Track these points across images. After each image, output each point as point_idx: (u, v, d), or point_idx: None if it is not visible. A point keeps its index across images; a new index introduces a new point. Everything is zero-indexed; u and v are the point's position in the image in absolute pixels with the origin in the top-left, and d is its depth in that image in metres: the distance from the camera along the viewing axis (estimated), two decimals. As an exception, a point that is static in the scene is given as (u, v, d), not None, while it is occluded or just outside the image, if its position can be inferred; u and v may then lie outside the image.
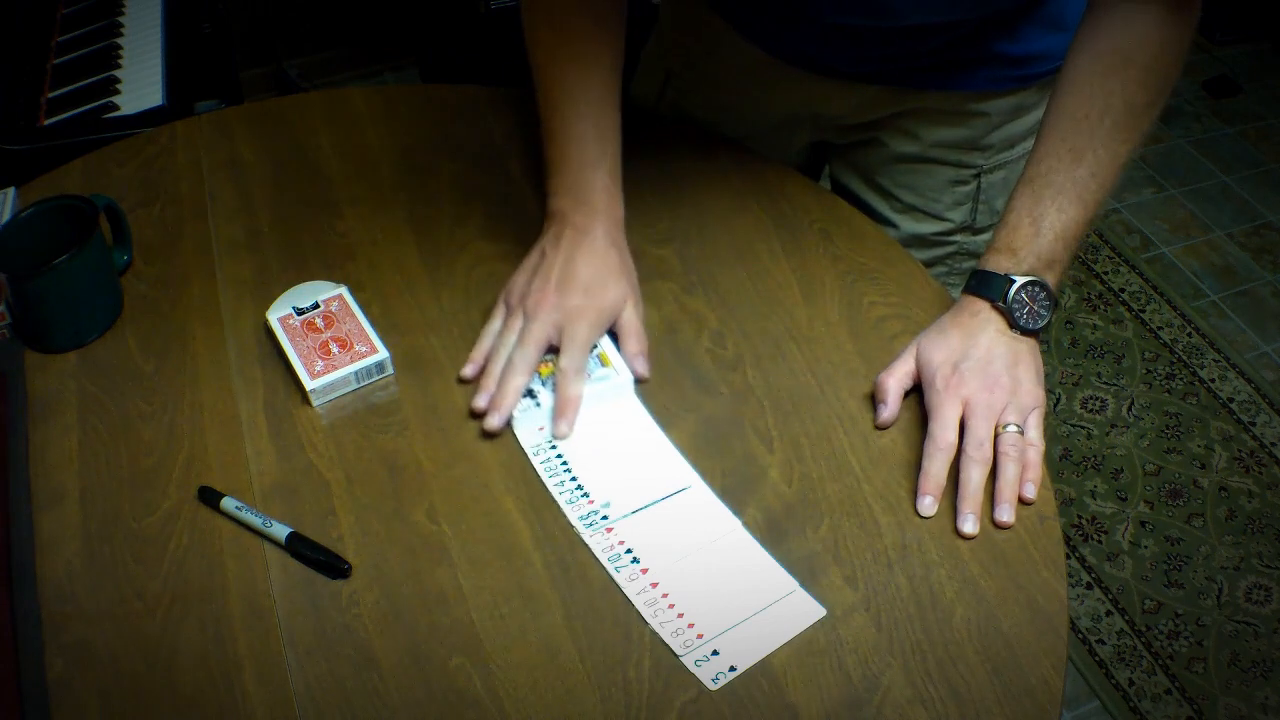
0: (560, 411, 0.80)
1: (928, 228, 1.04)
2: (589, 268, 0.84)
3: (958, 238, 1.05)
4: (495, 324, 0.85)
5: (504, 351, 0.82)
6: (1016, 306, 0.79)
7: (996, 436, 0.76)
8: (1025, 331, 0.80)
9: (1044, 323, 0.80)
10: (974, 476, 0.75)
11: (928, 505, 0.75)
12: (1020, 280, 0.79)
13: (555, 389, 0.81)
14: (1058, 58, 0.88)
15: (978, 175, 1.01)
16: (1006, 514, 0.74)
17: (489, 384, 0.81)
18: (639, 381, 0.83)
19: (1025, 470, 0.76)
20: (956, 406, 0.77)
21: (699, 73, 1.06)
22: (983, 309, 0.80)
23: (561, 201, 0.87)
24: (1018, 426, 0.76)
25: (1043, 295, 0.80)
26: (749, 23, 0.98)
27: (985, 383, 0.77)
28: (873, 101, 0.99)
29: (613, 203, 0.87)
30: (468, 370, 0.84)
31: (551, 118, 0.88)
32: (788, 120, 1.05)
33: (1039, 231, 0.80)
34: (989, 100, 0.97)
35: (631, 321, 0.85)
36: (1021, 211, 0.81)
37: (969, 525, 0.73)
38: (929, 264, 1.04)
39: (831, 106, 1.01)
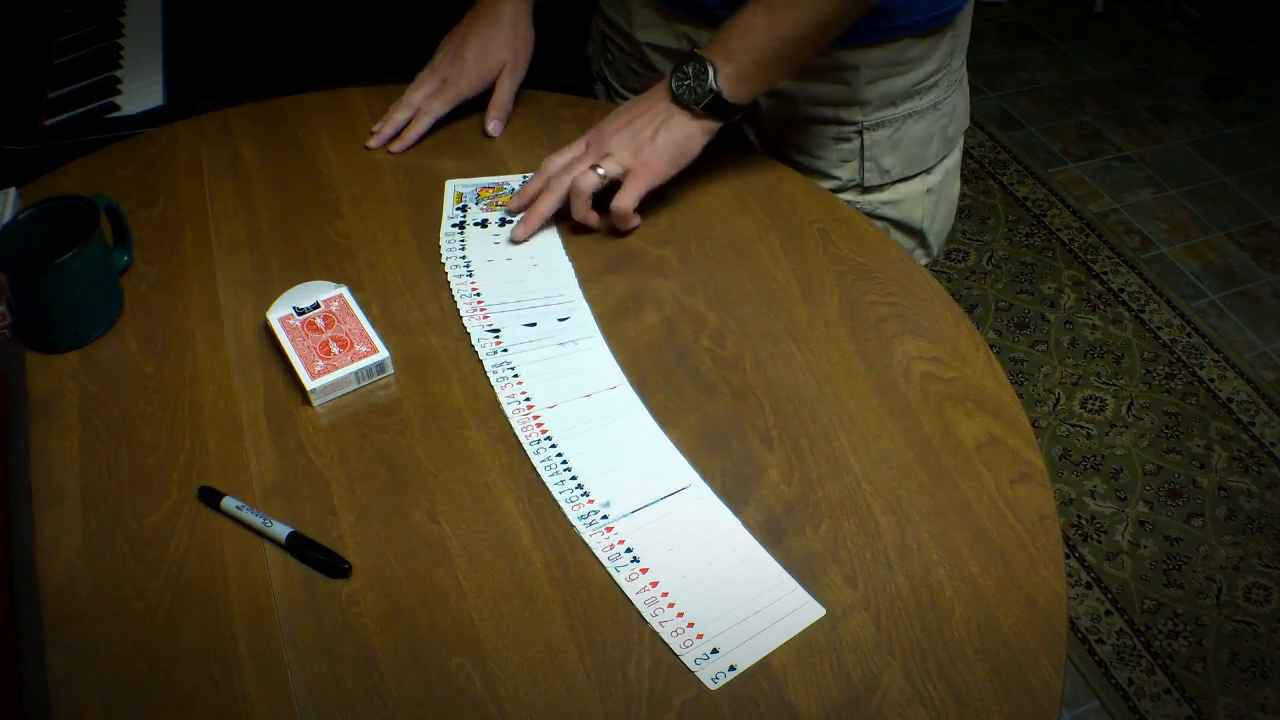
0: (403, 137, 1.03)
1: (819, 185, 1.06)
2: (479, 39, 1.04)
3: (848, 196, 1.07)
4: (420, 93, 1.05)
5: (413, 101, 1.04)
6: (679, 77, 0.90)
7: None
8: (681, 104, 0.90)
9: (696, 99, 0.90)
10: (542, 203, 0.92)
11: (518, 231, 0.93)
12: (689, 59, 0.90)
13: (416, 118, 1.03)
14: (923, 10, 0.95)
15: (860, 132, 1.03)
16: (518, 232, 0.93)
17: (387, 129, 1.04)
18: (488, 137, 1.05)
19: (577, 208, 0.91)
20: (580, 144, 0.93)
21: (618, 31, 1.13)
22: (660, 84, 0.92)
23: None
24: (602, 172, 0.90)
25: (704, 73, 0.89)
26: None
27: (616, 125, 0.92)
28: None
29: None
30: (374, 142, 1.04)
31: None
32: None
33: (729, 27, 0.90)
34: (857, 53, 0.99)
35: (500, 87, 1.05)
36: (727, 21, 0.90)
37: (516, 231, 0.93)
38: None
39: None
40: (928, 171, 1.08)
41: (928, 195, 1.09)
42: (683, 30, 1.05)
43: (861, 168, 1.05)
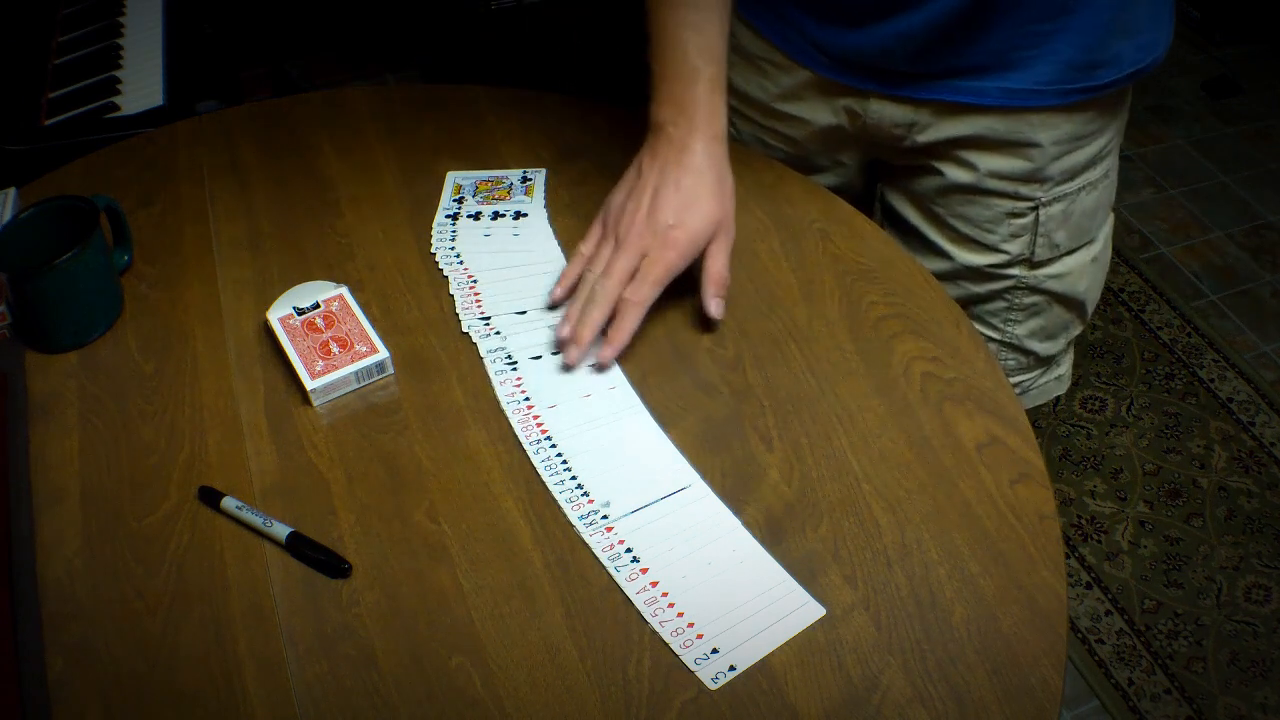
0: (608, 339, 0.82)
1: (983, 259, 1.00)
2: (680, 192, 0.83)
3: (1015, 271, 1.00)
4: (588, 246, 0.87)
5: (590, 279, 0.84)
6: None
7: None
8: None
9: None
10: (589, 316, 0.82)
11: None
12: None
13: (614, 317, 0.83)
14: (1125, 65, 0.87)
15: (1036, 208, 0.97)
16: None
17: (574, 313, 0.83)
18: (711, 322, 0.86)
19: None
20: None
21: (749, 101, 1.04)
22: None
23: (661, 111, 0.85)
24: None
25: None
26: (777, 24, 0.97)
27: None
28: (921, 119, 0.95)
29: (713, 116, 0.85)
30: (558, 293, 0.87)
31: (654, 25, 0.86)
32: (834, 137, 1.02)
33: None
34: (1045, 119, 0.92)
35: (713, 257, 0.85)
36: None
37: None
38: (987, 299, 1.01)
39: (878, 119, 0.97)
40: (1091, 242, 1.02)
41: (1092, 265, 1.03)
42: (844, 104, 0.97)
43: (1033, 242, 0.98)
